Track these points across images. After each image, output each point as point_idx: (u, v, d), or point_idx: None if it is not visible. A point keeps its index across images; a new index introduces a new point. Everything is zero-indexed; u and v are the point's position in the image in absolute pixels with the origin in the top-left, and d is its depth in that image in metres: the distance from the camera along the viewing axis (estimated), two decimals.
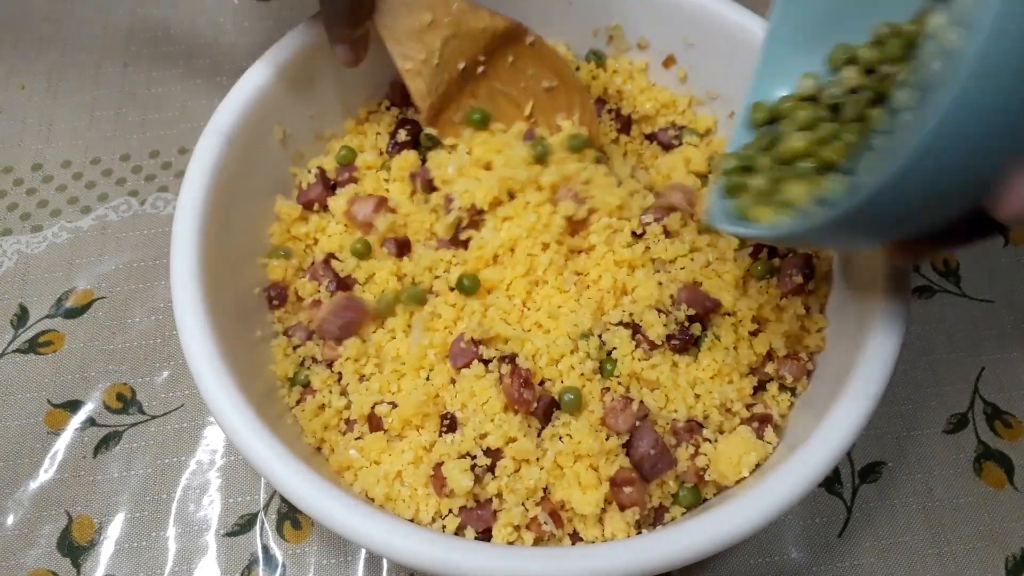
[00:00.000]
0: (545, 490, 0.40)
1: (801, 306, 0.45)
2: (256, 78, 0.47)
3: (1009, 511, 0.47)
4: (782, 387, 0.44)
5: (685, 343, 0.43)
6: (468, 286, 0.44)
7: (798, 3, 0.40)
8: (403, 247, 0.47)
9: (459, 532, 0.40)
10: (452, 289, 0.45)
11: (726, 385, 0.43)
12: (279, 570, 0.46)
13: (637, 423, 0.41)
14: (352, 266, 0.47)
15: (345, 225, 0.49)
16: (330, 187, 0.50)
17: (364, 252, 0.47)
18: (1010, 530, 0.47)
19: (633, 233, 0.46)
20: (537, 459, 0.41)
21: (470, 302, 0.44)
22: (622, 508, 0.40)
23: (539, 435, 0.41)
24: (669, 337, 0.43)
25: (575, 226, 0.47)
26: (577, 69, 0.54)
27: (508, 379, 0.41)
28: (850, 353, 0.40)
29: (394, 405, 0.43)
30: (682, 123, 0.53)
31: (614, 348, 0.43)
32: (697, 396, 0.42)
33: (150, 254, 0.56)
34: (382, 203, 0.48)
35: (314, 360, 0.46)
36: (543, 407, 0.41)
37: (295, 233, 0.49)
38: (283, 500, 0.48)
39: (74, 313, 0.54)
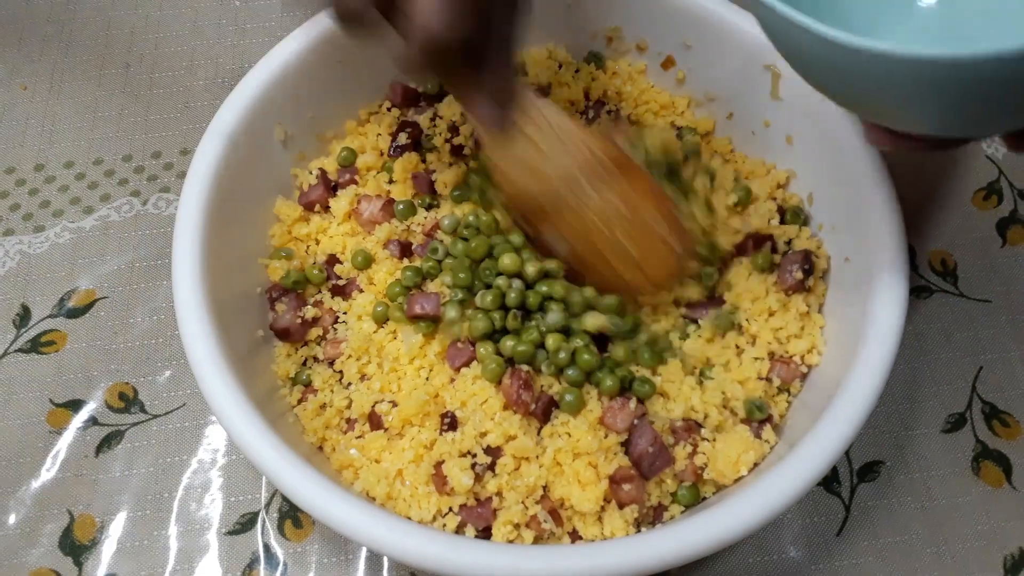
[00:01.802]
0: (545, 488, 0.41)
1: (803, 304, 0.45)
2: (257, 79, 0.47)
3: (1007, 510, 0.47)
4: (779, 388, 0.44)
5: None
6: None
7: None
8: (406, 249, 0.48)
9: (459, 530, 0.40)
10: (452, 288, 0.46)
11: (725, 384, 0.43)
12: (280, 568, 0.46)
13: (635, 421, 0.41)
14: (354, 269, 0.48)
15: (351, 227, 0.49)
16: (331, 188, 0.51)
17: (365, 264, 0.47)
18: (1008, 529, 0.47)
19: None
20: (537, 457, 0.41)
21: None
22: (621, 506, 0.40)
23: (538, 433, 0.42)
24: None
25: None
26: (577, 71, 0.55)
27: (507, 380, 0.42)
28: (848, 353, 0.40)
29: (395, 404, 0.43)
30: (681, 124, 0.53)
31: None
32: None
33: (152, 254, 0.56)
34: (390, 204, 0.48)
35: (315, 360, 0.46)
36: (542, 407, 0.41)
37: (296, 234, 0.50)
38: (284, 499, 0.48)
39: (76, 313, 0.54)
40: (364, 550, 0.47)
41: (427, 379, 0.44)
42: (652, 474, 0.40)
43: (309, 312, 0.46)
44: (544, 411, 0.42)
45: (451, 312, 0.44)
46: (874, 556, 0.46)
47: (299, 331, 0.46)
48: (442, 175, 0.50)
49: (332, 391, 0.44)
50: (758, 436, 0.42)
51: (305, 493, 0.36)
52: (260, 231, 0.49)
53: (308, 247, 0.50)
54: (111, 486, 0.49)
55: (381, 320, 0.45)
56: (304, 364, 0.47)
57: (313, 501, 0.36)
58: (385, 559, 0.46)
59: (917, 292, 0.54)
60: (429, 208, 0.49)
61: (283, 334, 0.46)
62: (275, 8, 0.68)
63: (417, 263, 0.47)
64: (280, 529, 0.47)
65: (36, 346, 0.53)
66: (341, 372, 0.45)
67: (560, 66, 0.55)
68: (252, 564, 0.46)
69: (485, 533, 0.40)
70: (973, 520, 0.47)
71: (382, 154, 0.51)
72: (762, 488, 0.36)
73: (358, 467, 0.42)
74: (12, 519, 0.48)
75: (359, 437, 0.43)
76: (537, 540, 0.40)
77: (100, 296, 0.55)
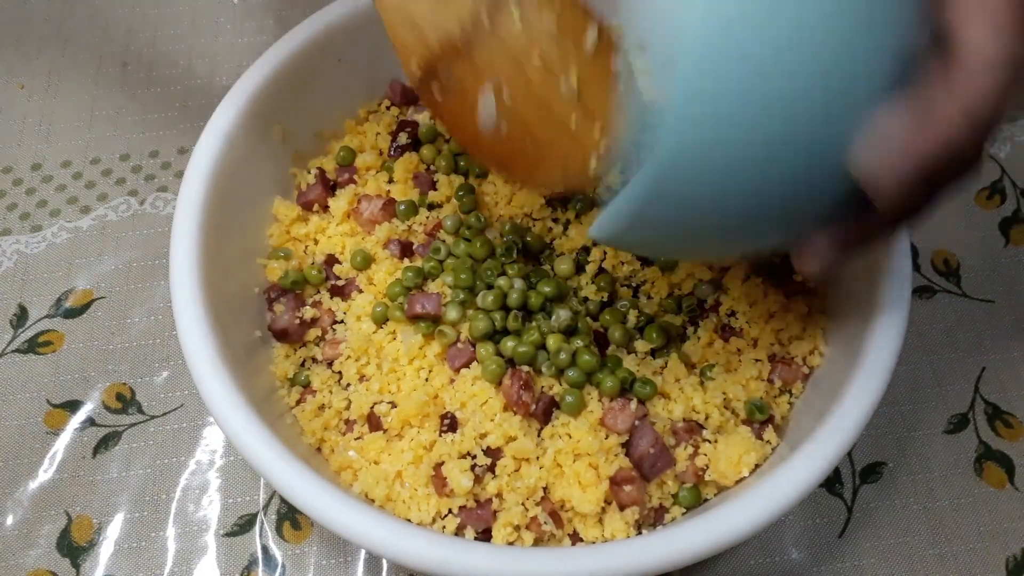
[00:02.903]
0: (545, 489, 0.40)
1: (804, 305, 0.45)
2: (256, 78, 0.47)
3: (1010, 511, 0.47)
4: (781, 389, 0.44)
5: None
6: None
7: None
8: (407, 249, 0.47)
9: (459, 532, 0.39)
10: (453, 287, 0.45)
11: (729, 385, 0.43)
12: (279, 570, 0.46)
13: (636, 422, 0.41)
14: (353, 269, 0.47)
15: (350, 227, 0.49)
16: (330, 188, 0.50)
17: (364, 265, 0.47)
18: (1011, 530, 0.47)
19: None
20: (537, 458, 0.41)
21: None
22: (622, 507, 0.40)
23: (539, 434, 0.41)
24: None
25: None
26: None
27: (507, 381, 0.41)
28: (850, 353, 0.40)
29: (394, 405, 0.43)
30: None
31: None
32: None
33: (150, 254, 0.56)
34: (390, 204, 0.48)
35: (314, 360, 0.46)
36: (542, 408, 0.41)
37: (295, 234, 0.49)
38: (283, 500, 0.48)
39: (73, 313, 0.54)
40: (363, 552, 0.46)
41: (427, 380, 0.43)
42: (653, 475, 0.40)
43: (308, 313, 0.46)
44: (544, 412, 0.41)
45: (452, 312, 0.43)
46: (876, 557, 0.46)
47: (297, 332, 0.46)
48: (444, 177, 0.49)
49: (331, 392, 0.44)
50: (760, 437, 0.42)
51: (303, 495, 0.36)
52: (258, 231, 0.49)
53: (306, 247, 0.49)
54: (109, 487, 0.48)
55: (380, 320, 0.45)
56: (303, 365, 0.46)
57: (312, 503, 0.35)
58: (384, 561, 0.46)
59: (920, 292, 0.54)
60: (431, 208, 0.49)
61: (281, 335, 0.46)
62: (273, 6, 0.68)
63: (418, 263, 0.47)
64: (278, 531, 0.47)
65: (33, 346, 0.53)
66: (340, 373, 0.45)
67: None
68: (250, 566, 0.46)
69: (485, 535, 0.40)
70: (975, 521, 0.47)
71: (381, 153, 0.51)
72: (764, 490, 0.35)
73: (357, 468, 0.42)
74: (9, 520, 0.47)
75: (358, 438, 0.43)
76: (537, 542, 0.39)
77: (97, 296, 0.55)
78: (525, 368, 0.42)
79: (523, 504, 0.40)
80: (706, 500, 0.42)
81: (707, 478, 0.41)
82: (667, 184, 0.28)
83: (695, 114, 0.27)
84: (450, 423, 0.41)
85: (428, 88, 0.36)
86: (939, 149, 0.27)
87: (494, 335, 0.44)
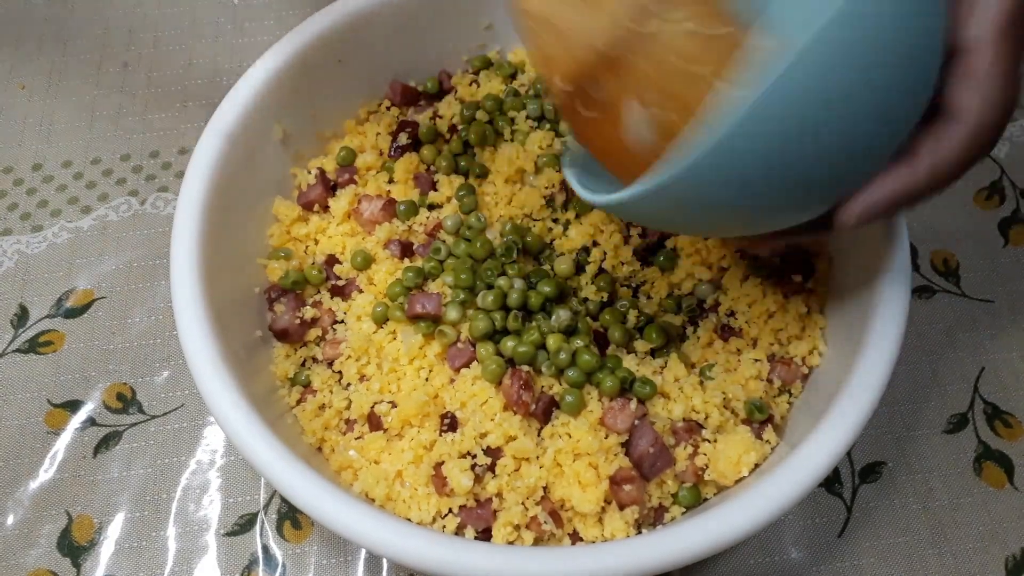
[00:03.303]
0: (545, 489, 0.40)
1: (803, 305, 0.45)
2: (256, 78, 0.47)
3: (1009, 511, 0.47)
4: (780, 389, 0.44)
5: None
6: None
7: None
8: (407, 249, 0.47)
9: (459, 532, 0.40)
10: (454, 287, 0.45)
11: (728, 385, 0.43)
12: (279, 570, 0.46)
13: (636, 422, 0.41)
14: (353, 269, 0.47)
15: (351, 227, 0.49)
16: (330, 188, 0.50)
17: (364, 265, 0.47)
18: (1010, 530, 0.47)
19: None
20: (537, 458, 0.41)
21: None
22: (621, 507, 0.40)
23: (539, 434, 0.42)
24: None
25: None
26: None
27: (507, 380, 0.41)
28: (850, 353, 0.40)
29: (394, 405, 0.43)
30: None
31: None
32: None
33: (150, 254, 0.56)
34: (390, 204, 0.48)
35: (314, 360, 0.46)
36: (542, 407, 0.41)
37: (295, 234, 0.49)
38: (283, 500, 0.48)
39: (74, 313, 0.54)
40: (363, 551, 0.46)
41: (427, 380, 0.43)
42: (653, 475, 0.40)
43: (308, 312, 0.46)
44: (544, 412, 0.41)
45: (452, 312, 0.44)
46: (876, 557, 0.46)
47: (298, 332, 0.46)
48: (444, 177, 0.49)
49: (331, 392, 0.44)
50: (759, 437, 0.42)
51: (304, 494, 0.36)
52: (258, 231, 0.49)
53: (307, 247, 0.49)
54: (109, 487, 0.48)
55: (381, 320, 0.45)
56: (303, 365, 0.46)
57: (312, 502, 0.35)
58: (384, 560, 0.46)
59: (919, 292, 0.54)
60: (431, 208, 0.49)
61: (282, 335, 0.46)
62: (273, 7, 0.68)
63: (419, 263, 0.47)
64: (279, 530, 0.47)
65: (34, 346, 0.53)
66: (340, 373, 0.45)
67: None
68: (251, 565, 0.46)
69: (485, 534, 0.40)
70: (975, 521, 0.47)
71: (381, 153, 0.51)
72: (763, 489, 0.35)
73: (357, 468, 0.42)
74: (10, 520, 0.47)
75: (358, 438, 0.43)
76: (537, 541, 0.39)
77: (98, 296, 0.55)
78: (525, 368, 0.42)
79: (523, 503, 0.40)
80: (706, 500, 0.42)
81: (707, 478, 0.41)
82: (718, 159, 0.29)
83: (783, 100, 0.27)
84: (450, 423, 0.41)
85: (571, 104, 0.34)
86: (901, 198, 0.32)
87: (494, 335, 0.44)
